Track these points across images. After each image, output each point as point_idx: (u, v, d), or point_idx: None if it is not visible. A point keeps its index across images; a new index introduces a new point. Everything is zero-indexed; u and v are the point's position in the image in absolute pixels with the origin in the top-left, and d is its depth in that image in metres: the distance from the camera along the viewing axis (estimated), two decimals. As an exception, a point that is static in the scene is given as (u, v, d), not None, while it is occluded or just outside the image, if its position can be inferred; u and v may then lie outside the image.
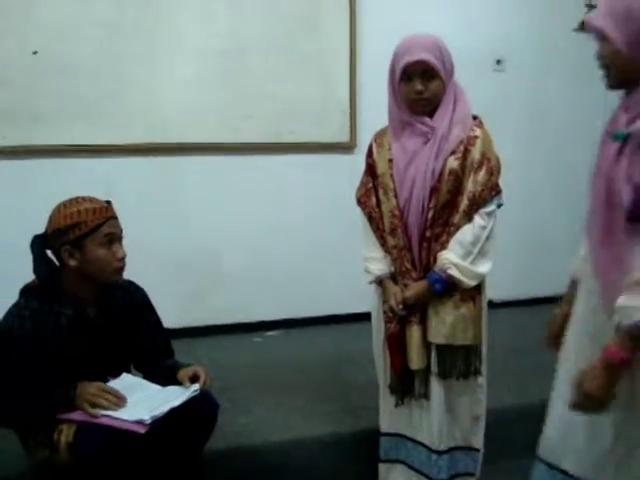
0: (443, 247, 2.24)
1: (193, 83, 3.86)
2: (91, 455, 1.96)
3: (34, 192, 3.55)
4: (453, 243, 2.22)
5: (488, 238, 2.24)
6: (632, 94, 1.64)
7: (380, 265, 2.36)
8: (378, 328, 2.45)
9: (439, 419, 2.34)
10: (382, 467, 2.53)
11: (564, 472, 1.83)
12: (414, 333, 2.29)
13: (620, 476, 1.73)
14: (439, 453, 2.35)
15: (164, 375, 2.27)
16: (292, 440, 2.75)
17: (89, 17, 3.65)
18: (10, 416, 2.11)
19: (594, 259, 1.74)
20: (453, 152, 2.21)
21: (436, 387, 2.33)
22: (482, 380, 2.38)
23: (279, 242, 4.12)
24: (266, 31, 3.94)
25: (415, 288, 2.27)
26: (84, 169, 3.69)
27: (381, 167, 2.33)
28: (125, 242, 2.20)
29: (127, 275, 2.25)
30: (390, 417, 2.47)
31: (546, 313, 2.08)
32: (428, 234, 2.25)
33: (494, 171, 2.24)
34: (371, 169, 2.38)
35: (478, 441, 2.43)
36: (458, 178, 2.21)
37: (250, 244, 4.07)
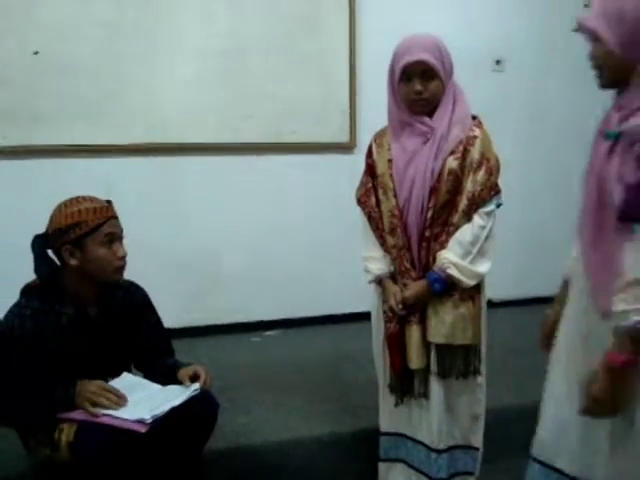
0: (442, 247, 2.24)
1: (193, 83, 3.87)
2: (92, 454, 1.96)
3: (34, 192, 3.56)
4: (452, 243, 2.23)
5: (487, 238, 2.24)
6: (624, 94, 1.65)
7: (380, 265, 2.37)
8: (378, 328, 2.45)
9: (438, 418, 2.34)
10: (382, 466, 2.54)
11: (558, 471, 1.83)
12: (413, 333, 2.29)
13: (614, 475, 1.74)
14: (439, 452, 2.36)
15: (164, 374, 2.27)
16: (291, 440, 2.76)
17: (89, 17, 3.65)
18: (11, 415, 2.11)
19: (585, 259, 1.75)
20: (452, 152, 2.21)
21: (435, 386, 2.33)
22: (481, 379, 2.38)
23: (279, 242, 4.13)
24: (266, 31, 3.95)
25: (414, 288, 2.27)
26: (84, 169, 3.69)
27: (381, 167, 2.33)
28: (125, 242, 2.20)
29: (127, 275, 2.26)
30: (390, 416, 2.48)
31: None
32: (427, 234, 2.25)
33: (493, 171, 2.24)
34: (371, 169, 2.39)
35: (477, 440, 2.44)
36: (457, 178, 2.21)
37: (250, 244, 4.08)
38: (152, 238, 3.75)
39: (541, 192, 4.53)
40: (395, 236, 2.30)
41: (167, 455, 2.18)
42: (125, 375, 2.26)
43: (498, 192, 2.26)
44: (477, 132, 2.25)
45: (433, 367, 2.32)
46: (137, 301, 2.35)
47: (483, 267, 2.25)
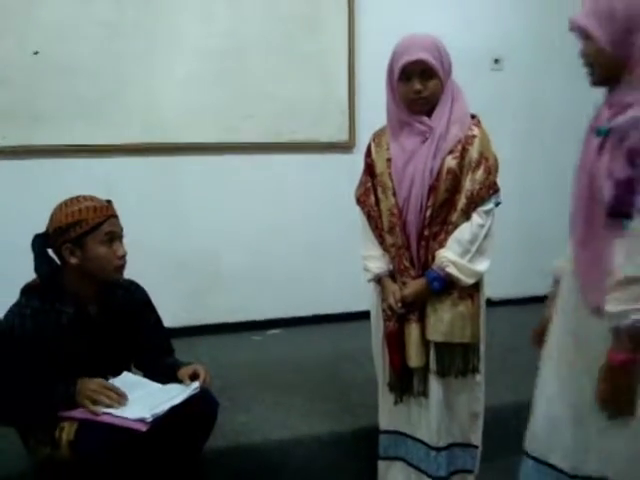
0: (441, 245, 2.25)
1: (193, 83, 3.87)
2: (92, 453, 1.97)
3: (34, 192, 3.56)
4: (451, 241, 2.23)
5: (486, 236, 2.25)
6: (615, 91, 1.67)
7: (379, 263, 2.37)
8: (377, 326, 2.46)
9: (438, 416, 2.35)
10: (381, 464, 2.54)
11: (552, 466, 1.84)
12: (413, 331, 2.30)
13: (607, 468, 1.75)
14: (438, 450, 2.36)
15: (164, 373, 2.28)
16: (291, 438, 2.76)
17: (89, 17, 3.66)
18: (11, 414, 2.11)
19: (575, 256, 1.76)
20: (451, 151, 2.22)
21: (435, 385, 2.34)
22: (480, 378, 2.38)
23: (278, 241, 4.13)
24: (265, 31, 3.96)
25: (413, 286, 2.28)
26: (84, 169, 3.70)
27: (380, 166, 2.34)
28: (125, 241, 2.21)
29: (127, 274, 2.26)
30: (389, 415, 2.48)
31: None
32: (426, 233, 2.26)
33: (492, 170, 2.25)
34: (370, 168, 2.40)
35: (476, 438, 2.44)
36: (456, 177, 2.22)
37: (249, 243, 4.09)
38: (152, 238, 3.76)
39: (540, 191, 4.54)
40: (394, 235, 2.31)
41: (167, 454, 2.18)
42: (125, 374, 2.27)
43: (497, 191, 2.27)
44: (476, 131, 2.25)
45: (432, 365, 2.32)
46: (137, 300, 2.35)
47: (482, 265, 2.26)
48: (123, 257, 2.17)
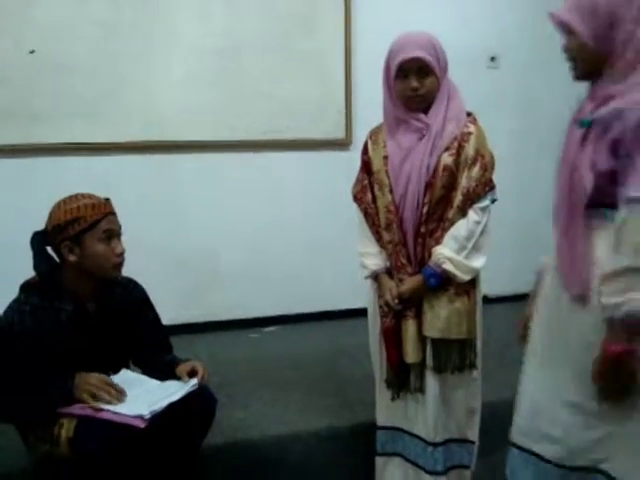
0: (438, 242, 2.26)
1: (190, 82, 3.88)
2: (91, 450, 1.98)
3: (33, 190, 3.56)
4: (447, 238, 2.25)
5: (482, 233, 2.26)
6: (597, 84, 1.69)
7: (376, 260, 2.38)
8: (374, 323, 2.47)
9: (434, 412, 2.36)
10: (379, 460, 2.55)
11: (538, 455, 1.86)
12: (409, 327, 2.31)
13: (596, 457, 1.77)
14: (435, 445, 2.37)
15: (163, 370, 2.29)
16: (289, 434, 2.78)
17: (86, 17, 3.66)
18: (10, 411, 2.12)
19: (558, 247, 1.78)
20: (447, 148, 2.23)
21: (431, 381, 2.35)
22: (477, 374, 2.40)
23: (276, 239, 4.14)
24: (262, 30, 3.96)
25: (410, 283, 2.29)
26: (82, 167, 3.71)
27: (376, 164, 2.35)
28: (123, 239, 2.22)
29: (125, 272, 2.28)
30: (386, 411, 2.49)
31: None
32: (423, 229, 2.27)
33: (488, 167, 2.26)
34: (367, 166, 2.41)
35: (473, 434, 2.45)
36: (452, 174, 2.23)
37: (247, 241, 4.09)
38: (150, 235, 3.77)
39: (536, 188, 4.53)
40: (391, 232, 2.32)
41: (165, 450, 2.19)
42: (124, 371, 2.28)
43: (493, 188, 2.28)
44: (472, 128, 2.26)
45: (429, 361, 2.33)
46: (135, 298, 2.36)
47: (478, 262, 2.28)
48: (121, 254, 2.18)
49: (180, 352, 2.45)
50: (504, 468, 1.98)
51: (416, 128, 2.26)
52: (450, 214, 2.26)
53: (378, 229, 2.37)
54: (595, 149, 1.64)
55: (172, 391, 2.13)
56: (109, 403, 2.04)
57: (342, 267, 3.69)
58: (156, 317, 2.44)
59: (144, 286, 2.41)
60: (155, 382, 2.24)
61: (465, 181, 2.24)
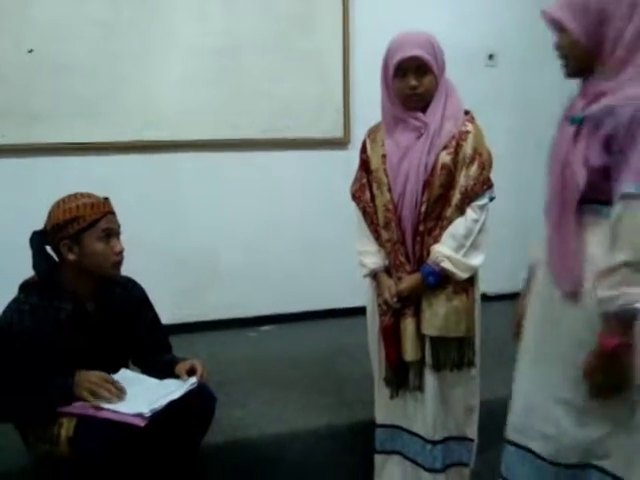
0: (436, 240, 2.27)
1: (189, 81, 3.88)
2: (91, 449, 1.98)
3: (32, 189, 3.56)
4: (446, 236, 2.25)
5: (480, 231, 2.27)
6: (589, 81, 1.70)
7: (374, 259, 2.39)
8: (373, 321, 2.47)
9: (433, 410, 2.36)
10: (378, 458, 2.55)
11: (533, 452, 1.86)
12: (408, 325, 2.32)
13: (590, 455, 1.77)
14: (434, 443, 2.38)
15: (162, 370, 2.29)
16: (288, 433, 2.77)
17: (85, 16, 3.66)
18: (10, 410, 2.12)
19: (550, 243, 1.79)
20: (445, 147, 2.24)
21: (430, 379, 2.35)
22: (475, 372, 2.40)
23: (275, 238, 4.15)
24: (261, 30, 3.97)
25: (409, 281, 2.30)
26: (82, 167, 3.71)
27: (375, 162, 2.36)
28: (122, 238, 2.22)
29: (125, 271, 2.28)
30: (385, 409, 2.50)
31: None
32: (421, 228, 2.27)
33: (486, 165, 2.27)
34: (365, 164, 2.41)
35: (472, 432, 2.46)
36: (450, 172, 2.24)
37: (246, 240, 4.10)
38: (149, 235, 3.77)
39: (533, 186, 4.53)
40: (390, 230, 2.33)
41: (165, 449, 2.19)
42: (123, 371, 2.28)
43: (491, 186, 2.28)
44: (470, 127, 2.27)
45: (428, 359, 2.34)
46: (135, 297, 2.37)
47: (476, 260, 2.28)
48: (120, 253, 2.18)
49: (179, 351, 2.46)
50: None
51: (414, 127, 2.27)
52: (448, 212, 2.26)
53: (377, 228, 2.37)
54: (587, 145, 1.64)
55: (171, 390, 2.14)
56: (109, 401, 2.05)
57: (341, 266, 3.70)
58: (155, 317, 2.44)
59: (143, 285, 2.41)
60: (154, 381, 2.25)
61: (463, 179, 2.24)
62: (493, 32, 4.40)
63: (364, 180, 2.41)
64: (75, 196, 2.14)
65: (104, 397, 2.05)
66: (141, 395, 2.11)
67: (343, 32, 4.08)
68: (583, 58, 1.69)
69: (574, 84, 1.80)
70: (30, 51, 3.60)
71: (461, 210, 2.26)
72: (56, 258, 2.17)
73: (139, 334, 2.36)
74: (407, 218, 2.29)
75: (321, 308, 4.27)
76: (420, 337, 2.33)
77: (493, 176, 2.30)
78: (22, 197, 3.60)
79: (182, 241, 3.99)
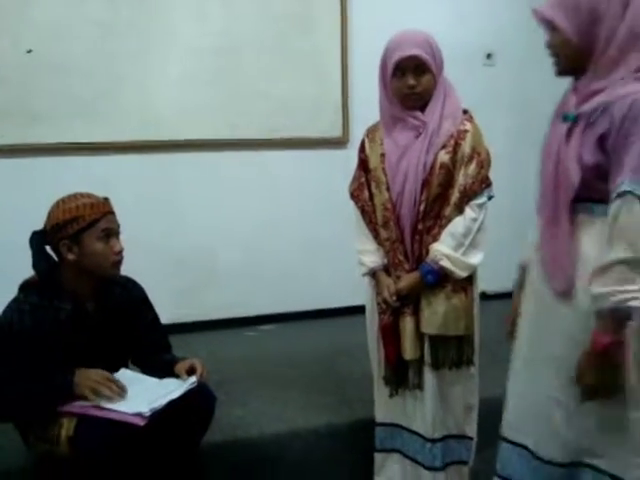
0: (435, 239, 2.27)
1: (187, 81, 3.89)
2: (91, 448, 1.98)
3: (32, 190, 3.56)
4: (445, 235, 2.25)
5: (479, 230, 2.27)
6: (581, 79, 1.70)
7: (373, 257, 2.39)
8: (372, 320, 2.47)
9: (433, 409, 2.36)
10: (378, 456, 2.56)
11: (527, 449, 1.87)
12: (407, 324, 2.32)
13: (584, 453, 1.78)
14: (433, 441, 2.38)
15: (162, 369, 2.29)
16: (288, 431, 2.78)
17: (83, 16, 3.67)
18: (10, 410, 2.12)
19: (542, 243, 1.79)
20: (444, 146, 2.24)
21: (429, 377, 2.35)
22: (474, 370, 2.40)
23: (273, 237, 4.15)
24: (259, 30, 3.98)
25: (408, 280, 2.30)
26: (81, 167, 3.71)
27: (373, 161, 2.36)
28: (122, 238, 2.22)
29: (124, 271, 2.28)
30: (385, 407, 2.50)
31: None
32: (420, 227, 2.28)
33: (484, 164, 2.27)
34: (364, 164, 2.42)
35: (471, 430, 2.46)
36: (449, 171, 2.24)
37: (245, 240, 4.10)
38: (148, 234, 3.77)
39: (532, 184, 4.54)
40: (388, 229, 2.33)
41: (165, 448, 2.20)
42: (123, 370, 2.28)
43: (489, 185, 2.29)
44: (468, 126, 2.28)
45: (427, 358, 2.34)
46: (134, 297, 2.37)
47: (475, 258, 2.29)
48: (120, 253, 2.19)
49: (178, 351, 2.46)
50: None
51: (413, 126, 2.27)
52: (447, 211, 2.27)
53: (375, 227, 2.38)
54: (581, 143, 1.65)
55: (171, 389, 2.14)
56: (110, 399, 2.05)
57: (339, 265, 3.70)
58: (155, 316, 2.44)
59: (142, 285, 2.42)
60: (154, 380, 2.25)
61: (462, 178, 2.25)
62: (491, 31, 4.40)
63: (363, 179, 2.41)
64: (75, 196, 2.14)
65: (105, 395, 2.05)
66: (141, 394, 2.11)
67: (341, 32, 4.09)
68: (575, 57, 1.69)
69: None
70: (29, 51, 3.60)
71: (460, 209, 2.26)
72: (56, 258, 2.17)
73: (139, 334, 2.36)
74: (406, 217, 2.29)
75: (320, 307, 4.27)
76: (419, 336, 2.33)
77: (492, 175, 2.30)
78: (21, 197, 3.60)
79: (181, 241, 4.00)
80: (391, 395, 2.44)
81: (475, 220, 2.26)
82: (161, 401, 2.06)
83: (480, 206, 2.27)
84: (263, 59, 4.00)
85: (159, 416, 2.05)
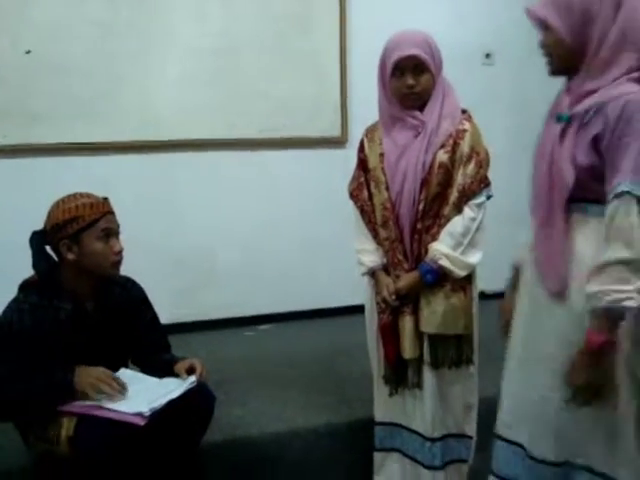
0: (434, 239, 2.27)
1: (186, 81, 3.89)
2: (91, 448, 1.99)
3: (32, 190, 3.55)
4: (444, 234, 2.26)
5: (478, 229, 2.27)
6: (574, 79, 1.71)
7: (372, 257, 2.39)
8: (371, 319, 2.48)
9: (432, 408, 2.36)
10: (377, 456, 2.56)
11: (522, 446, 1.88)
12: (406, 323, 2.32)
13: (577, 454, 1.78)
14: (433, 440, 2.38)
15: (161, 369, 2.30)
16: (288, 431, 2.78)
17: (83, 17, 3.67)
18: (10, 409, 2.12)
19: (536, 244, 1.79)
20: (443, 146, 2.25)
21: (429, 376, 2.36)
22: (474, 369, 2.41)
23: (272, 237, 4.15)
24: (258, 30, 3.98)
25: (407, 279, 2.30)
26: (81, 167, 3.71)
27: (372, 161, 2.36)
28: (121, 238, 2.22)
29: (123, 271, 2.28)
30: (384, 406, 2.50)
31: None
32: (419, 226, 2.28)
33: (483, 164, 2.27)
34: (363, 163, 2.42)
35: (471, 429, 2.46)
36: (448, 171, 2.25)
37: (244, 240, 4.10)
38: (147, 234, 3.77)
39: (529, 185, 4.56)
40: (387, 229, 2.33)
41: (165, 448, 2.20)
42: (123, 370, 2.29)
43: (488, 184, 2.29)
44: (467, 126, 2.28)
45: (426, 357, 2.34)
46: (134, 297, 2.37)
47: (474, 258, 2.29)
48: (119, 253, 2.19)
49: (177, 351, 2.46)
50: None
51: (412, 125, 2.27)
52: (446, 211, 2.27)
53: (374, 226, 2.38)
54: (575, 144, 1.65)
55: (171, 388, 2.14)
56: (111, 396, 2.06)
57: (339, 264, 3.70)
58: (154, 316, 2.44)
59: (142, 285, 2.42)
60: (154, 380, 2.25)
61: (460, 178, 2.25)
62: (490, 31, 4.40)
63: (362, 179, 2.42)
64: (74, 196, 2.15)
65: (106, 393, 2.06)
66: (141, 394, 2.11)
67: (340, 32, 4.09)
68: (567, 57, 1.70)
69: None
70: (28, 52, 3.60)
71: (459, 208, 2.27)
72: (56, 258, 2.18)
73: (138, 333, 2.36)
74: (405, 216, 2.29)
75: (319, 307, 4.27)
76: (418, 335, 2.33)
77: (490, 174, 2.31)
78: (21, 197, 3.60)
79: (180, 240, 4.00)
80: (391, 394, 2.44)
81: (474, 219, 2.26)
82: (161, 401, 2.06)
83: (479, 206, 2.27)
84: (262, 59, 4.00)
85: (159, 416, 2.05)
